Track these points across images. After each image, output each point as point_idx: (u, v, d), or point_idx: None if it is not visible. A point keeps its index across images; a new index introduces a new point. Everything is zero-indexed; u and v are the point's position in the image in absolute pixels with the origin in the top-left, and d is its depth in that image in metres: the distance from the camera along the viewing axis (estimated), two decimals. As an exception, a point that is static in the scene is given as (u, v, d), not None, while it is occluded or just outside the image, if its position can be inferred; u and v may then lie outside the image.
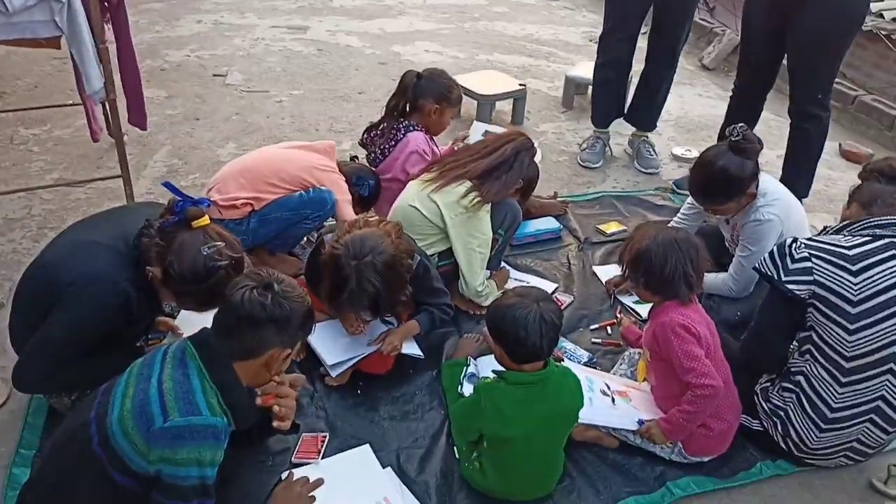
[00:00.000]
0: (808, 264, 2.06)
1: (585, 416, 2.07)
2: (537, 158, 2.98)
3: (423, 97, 3.05)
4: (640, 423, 2.14)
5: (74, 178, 3.49)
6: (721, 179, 2.53)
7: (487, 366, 2.35)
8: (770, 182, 2.67)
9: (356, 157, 3.22)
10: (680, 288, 2.11)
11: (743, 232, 2.66)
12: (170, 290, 1.90)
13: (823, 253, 2.07)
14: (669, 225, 2.85)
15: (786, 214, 2.61)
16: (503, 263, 3.02)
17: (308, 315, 1.70)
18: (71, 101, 3.87)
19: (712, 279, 2.72)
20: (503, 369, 1.97)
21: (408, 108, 3.08)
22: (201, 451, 1.52)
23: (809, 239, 2.14)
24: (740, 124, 2.53)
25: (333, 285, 2.23)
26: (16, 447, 2.08)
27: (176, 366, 1.61)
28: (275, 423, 1.88)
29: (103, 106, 3.50)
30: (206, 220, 1.87)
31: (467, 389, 2.25)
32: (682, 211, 3.02)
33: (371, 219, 2.37)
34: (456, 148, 3.17)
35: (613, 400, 2.17)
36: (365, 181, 2.95)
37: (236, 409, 1.65)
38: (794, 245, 2.11)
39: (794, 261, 2.08)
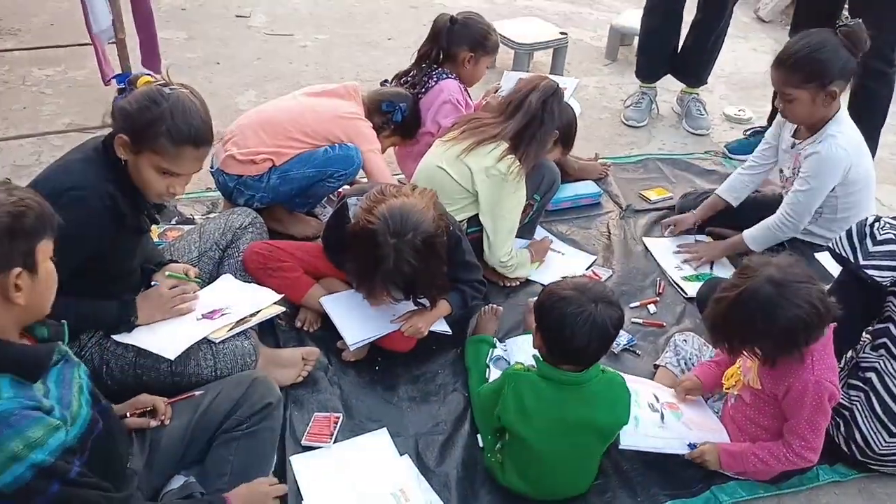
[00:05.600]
0: (894, 247, 1.80)
1: (629, 440, 1.85)
2: (577, 111, 2.71)
3: (456, 44, 2.78)
4: (692, 446, 1.90)
5: (87, 124, 3.32)
6: (806, 52, 2.30)
7: (518, 349, 2.16)
8: (848, 119, 2.45)
9: (387, 80, 2.93)
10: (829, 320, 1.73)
11: (804, 164, 2.43)
12: (142, 144, 1.75)
13: (912, 234, 1.81)
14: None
15: (856, 154, 2.40)
16: (541, 230, 2.78)
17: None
18: (87, 41, 3.67)
19: (756, 232, 2.53)
20: (539, 356, 1.76)
21: (441, 57, 2.81)
22: (4, 448, 1.19)
23: (895, 217, 1.87)
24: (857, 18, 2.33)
25: (366, 263, 2.00)
26: None
27: None
28: None
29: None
30: (148, 79, 1.82)
31: (494, 374, 2.05)
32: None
33: (403, 186, 2.13)
34: (487, 101, 2.91)
35: (663, 416, 1.92)
36: (395, 105, 2.66)
37: (19, 357, 1.29)
38: (875, 224, 1.85)
39: (875, 242, 1.83)
